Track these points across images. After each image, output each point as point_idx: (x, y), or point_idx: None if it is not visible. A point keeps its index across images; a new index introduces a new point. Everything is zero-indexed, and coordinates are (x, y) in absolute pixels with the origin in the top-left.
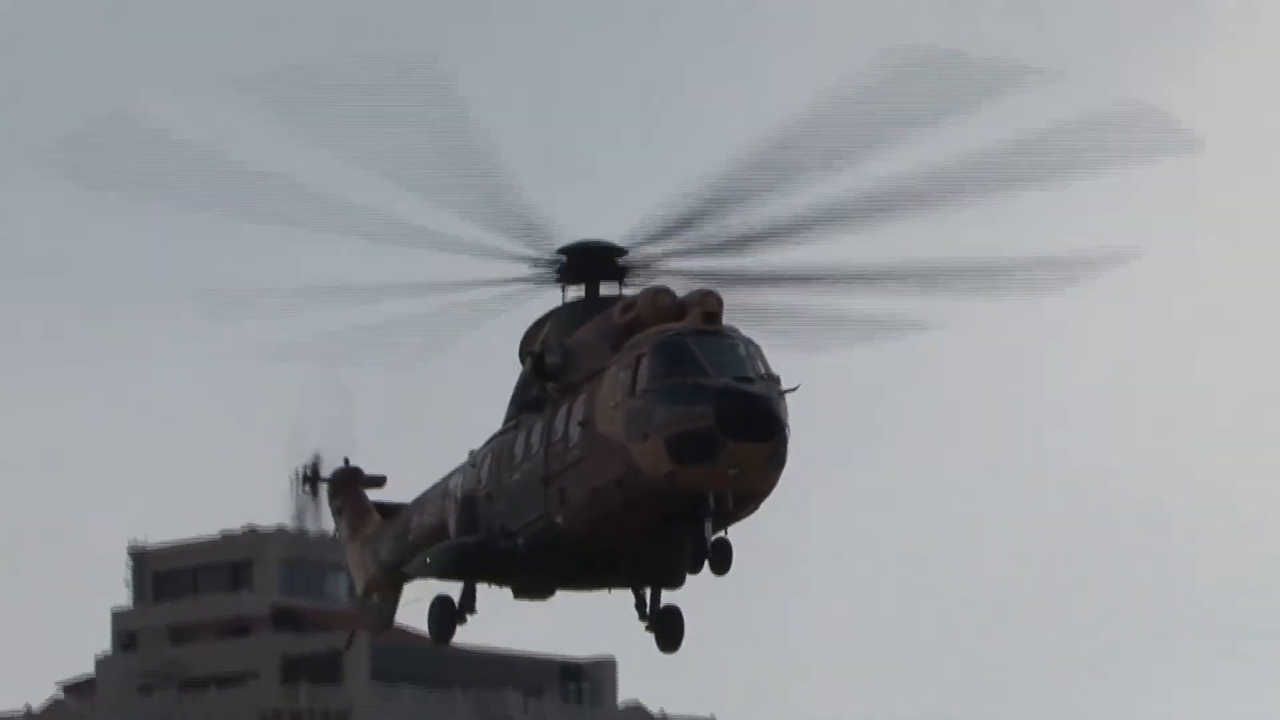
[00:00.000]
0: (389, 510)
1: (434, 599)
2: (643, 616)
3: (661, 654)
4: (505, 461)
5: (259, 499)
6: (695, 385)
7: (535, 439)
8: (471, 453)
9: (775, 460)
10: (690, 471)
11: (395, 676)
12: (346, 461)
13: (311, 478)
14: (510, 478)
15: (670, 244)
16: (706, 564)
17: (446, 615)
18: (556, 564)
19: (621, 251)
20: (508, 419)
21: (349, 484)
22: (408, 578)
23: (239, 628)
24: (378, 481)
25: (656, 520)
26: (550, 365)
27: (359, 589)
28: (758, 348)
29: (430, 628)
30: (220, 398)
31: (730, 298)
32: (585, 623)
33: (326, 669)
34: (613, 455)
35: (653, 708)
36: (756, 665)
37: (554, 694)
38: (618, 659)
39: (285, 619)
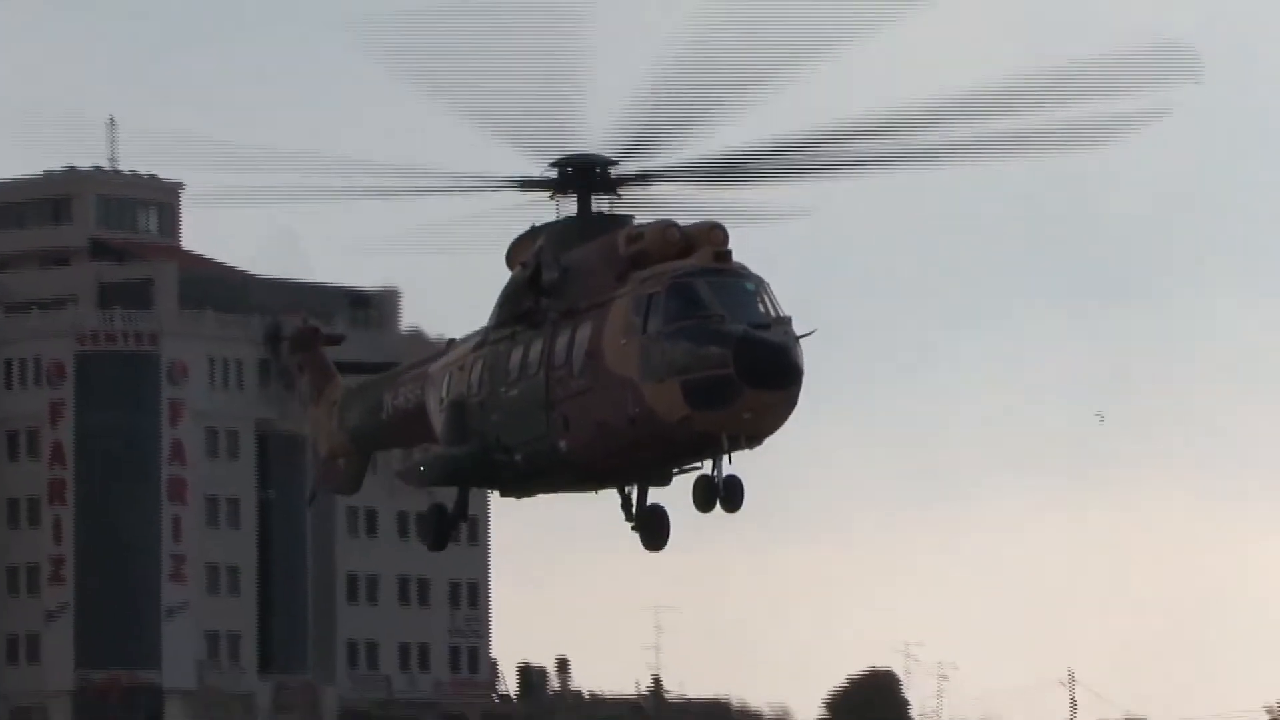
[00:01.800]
0: (345, 367)
1: (430, 506)
2: (629, 516)
3: (648, 552)
4: (500, 374)
5: (77, 142)
6: (713, 330)
7: (534, 358)
8: (451, 341)
9: (790, 405)
10: (706, 416)
11: (199, 303)
12: (305, 321)
13: (273, 337)
14: (507, 392)
15: (657, 158)
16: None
17: (441, 523)
18: (554, 479)
19: (612, 163)
20: (497, 324)
21: (310, 343)
22: (377, 448)
23: (59, 258)
24: (336, 339)
25: (665, 455)
26: (547, 281)
27: (322, 450)
28: (767, 286)
29: (424, 536)
30: (45, 48)
31: (721, 197)
32: (373, 254)
33: (138, 295)
34: (623, 392)
35: (431, 334)
36: None
37: (343, 319)
38: (402, 289)
39: (102, 250)
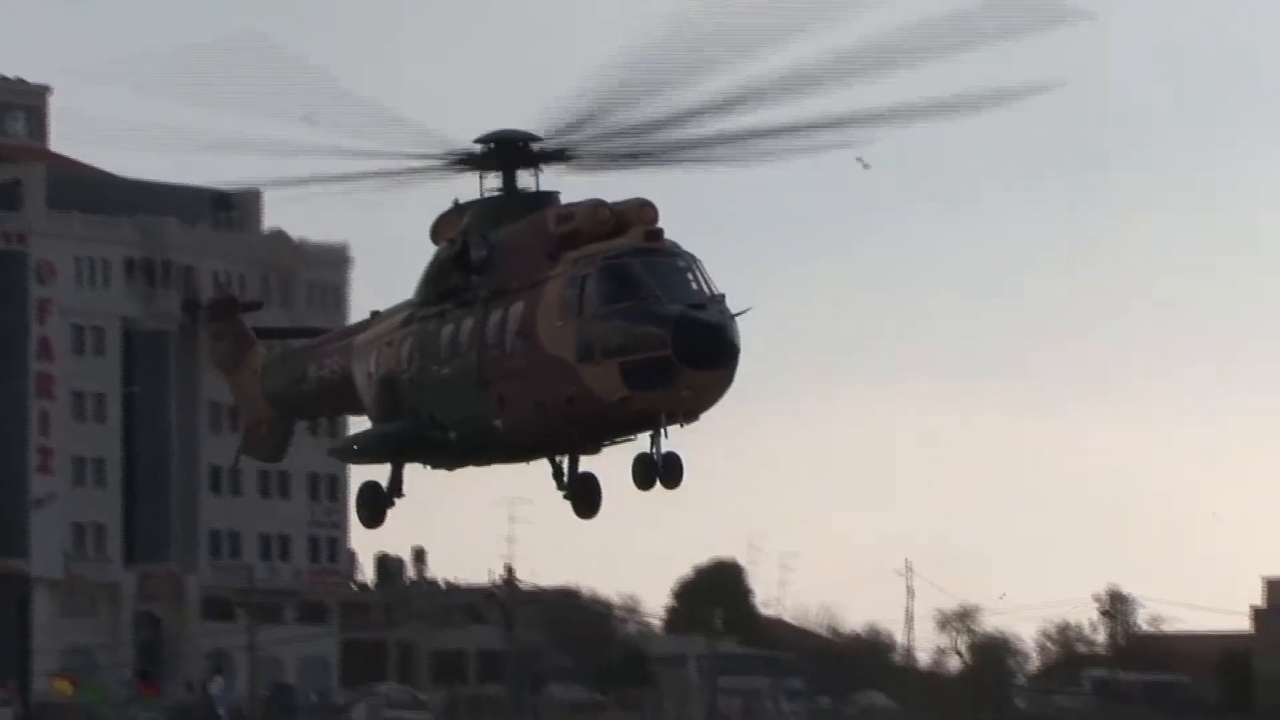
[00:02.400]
0: (264, 333)
1: (363, 484)
2: (560, 485)
3: (579, 518)
4: (431, 351)
5: None
6: (649, 312)
7: (465, 337)
8: (374, 313)
9: (727, 383)
10: (645, 396)
11: (68, 204)
12: (223, 289)
13: (191, 305)
14: (439, 371)
15: (581, 135)
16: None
17: (376, 499)
18: (487, 454)
19: (536, 139)
20: (424, 300)
21: (228, 310)
22: (300, 417)
23: None
24: (255, 305)
25: (602, 433)
26: (476, 259)
27: (245, 418)
28: (699, 264)
29: (359, 513)
30: None
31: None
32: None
33: (6, 197)
34: (560, 374)
35: (293, 234)
36: None
37: (207, 221)
38: (263, 191)
39: None
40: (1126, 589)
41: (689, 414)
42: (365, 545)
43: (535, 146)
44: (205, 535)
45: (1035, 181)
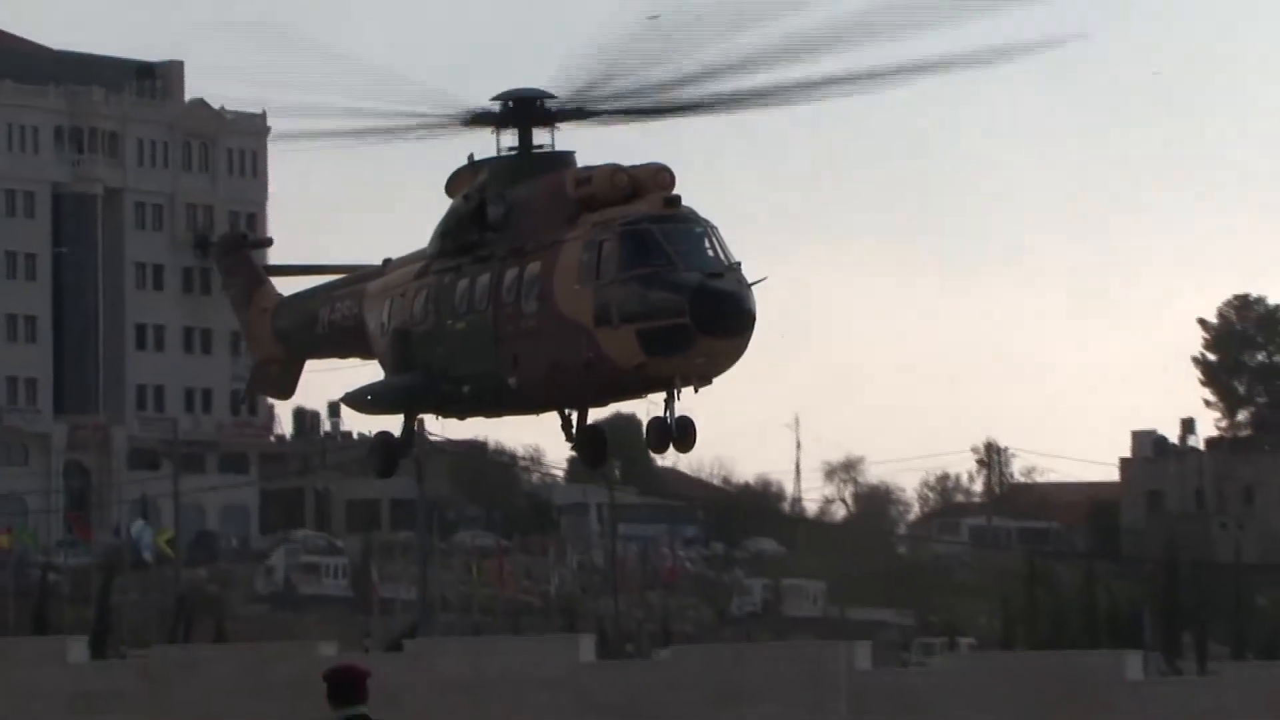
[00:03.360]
0: (274, 270)
1: (376, 435)
2: (569, 437)
3: (587, 468)
4: (445, 306)
5: None
6: (667, 279)
7: (480, 293)
8: (387, 260)
9: (743, 350)
10: (661, 362)
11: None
12: (233, 225)
13: (201, 241)
14: (454, 325)
15: (598, 93)
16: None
17: (388, 449)
18: (499, 409)
19: (552, 97)
20: (439, 252)
21: (238, 247)
22: (310, 358)
23: None
24: (265, 242)
25: (616, 394)
26: (493, 216)
27: (255, 356)
28: (716, 231)
29: (373, 462)
30: None
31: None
32: (157, 27)
33: None
34: (577, 336)
35: (214, 104)
36: None
37: (131, 90)
38: (186, 61)
39: None
40: (1003, 442)
41: (703, 379)
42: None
43: (552, 105)
44: (132, 389)
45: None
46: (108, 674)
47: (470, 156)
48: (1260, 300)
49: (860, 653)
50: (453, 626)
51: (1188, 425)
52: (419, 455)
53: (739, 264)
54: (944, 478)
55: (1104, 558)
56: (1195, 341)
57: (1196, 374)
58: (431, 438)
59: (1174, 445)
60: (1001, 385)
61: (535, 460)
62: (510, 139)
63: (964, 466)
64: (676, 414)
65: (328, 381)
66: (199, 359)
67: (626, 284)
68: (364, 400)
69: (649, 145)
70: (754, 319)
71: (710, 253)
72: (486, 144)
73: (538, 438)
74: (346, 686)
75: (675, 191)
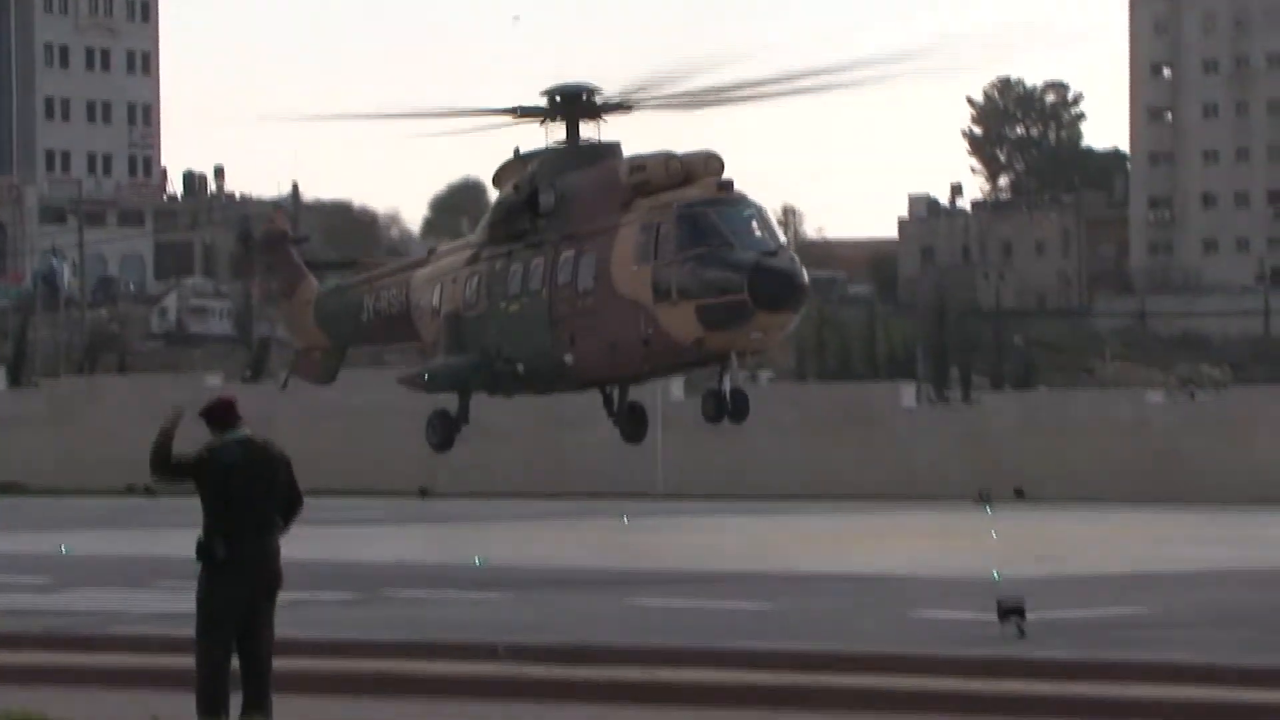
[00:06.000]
0: (312, 266)
1: (433, 412)
2: (610, 413)
3: (627, 443)
4: (499, 290)
5: None
6: (725, 258)
7: (535, 277)
8: (432, 250)
9: (793, 322)
10: (719, 335)
11: None
12: (274, 220)
13: (244, 237)
14: (508, 308)
15: (645, 89)
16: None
17: (445, 426)
18: (552, 386)
19: (597, 91)
20: (489, 239)
21: (279, 242)
22: (354, 345)
23: None
24: (303, 239)
25: (671, 369)
26: (544, 204)
27: (298, 343)
28: (765, 213)
29: (430, 439)
30: None
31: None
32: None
33: None
34: (636, 314)
35: None
36: None
37: None
38: None
39: None
40: (798, 205)
41: (756, 351)
42: (174, 163)
43: (599, 99)
44: (41, 154)
45: None
46: (22, 400)
47: (516, 150)
48: (1020, 81)
49: (674, 385)
50: None
51: (957, 189)
52: (291, 213)
53: (786, 244)
54: None
55: (884, 303)
56: (964, 118)
57: (965, 145)
58: (304, 200)
59: (945, 207)
60: (794, 153)
61: (393, 217)
62: (557, 132)
63: None
64: (731, 387)
65: (214, 146)
66: (101, 128)
67: (685, 264)
68: (421, 381)
69: (689, 135)
70: (807, 294)
71: (761, 233)
72: (533, 137)
73: (397, 199)
74: (219, 414)
75: (728, 177)
